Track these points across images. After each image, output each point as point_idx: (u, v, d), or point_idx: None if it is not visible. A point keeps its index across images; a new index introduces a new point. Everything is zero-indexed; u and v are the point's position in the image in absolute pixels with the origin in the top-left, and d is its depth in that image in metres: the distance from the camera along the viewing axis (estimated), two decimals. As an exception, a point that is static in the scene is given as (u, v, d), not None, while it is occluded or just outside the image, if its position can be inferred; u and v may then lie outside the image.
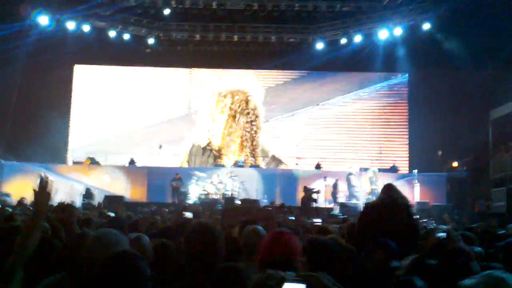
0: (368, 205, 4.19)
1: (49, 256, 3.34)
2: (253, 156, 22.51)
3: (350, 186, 18.09)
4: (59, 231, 5.18)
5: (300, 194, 17.90)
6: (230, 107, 23.17)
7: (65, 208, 6.46)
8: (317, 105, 22.76)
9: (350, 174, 18.38)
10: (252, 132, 22.95)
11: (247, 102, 23.21)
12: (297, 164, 19.83)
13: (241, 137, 22.83)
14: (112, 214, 8.10)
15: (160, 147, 20.63)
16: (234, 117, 23.11)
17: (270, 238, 3.18)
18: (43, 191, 2.89)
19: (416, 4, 19.84)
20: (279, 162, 22.36)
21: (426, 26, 19.68)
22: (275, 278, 2.00)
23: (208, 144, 22.76)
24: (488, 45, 17.53)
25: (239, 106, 23.20)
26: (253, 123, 23.02)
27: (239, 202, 14.27)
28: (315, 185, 17.71)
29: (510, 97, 17.84)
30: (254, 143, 22.84)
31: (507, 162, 18.81)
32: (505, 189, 15.56)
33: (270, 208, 8.97)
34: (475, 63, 18.15)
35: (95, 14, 20.82)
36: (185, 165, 21.91)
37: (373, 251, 3.13)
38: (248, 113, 23.08)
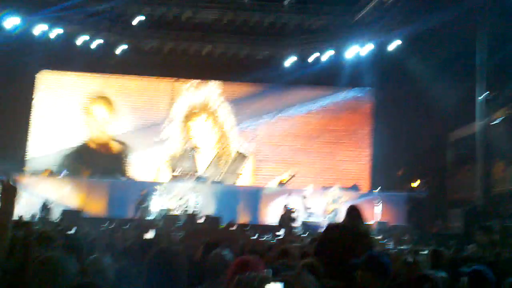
0: (330, 226, 4.21)
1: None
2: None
3: (305, 208, 18.13)
4: (15, 251, 4.98)
5: (262, 211, 17.95)
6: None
7: (23, 225, 6.23)
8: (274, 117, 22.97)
9: (304, 197, 18.41)
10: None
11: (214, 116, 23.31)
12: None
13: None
14: (71, 231, 7.86)
15: None
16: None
17: (235, 266, 3.14)
18: (9, 187, 2.79)
19: (384, 23, 20.27)
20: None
21: (394, 45, 20.09)
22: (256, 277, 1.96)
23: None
24: (451, 68, 18.04)
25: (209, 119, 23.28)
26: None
27: (201, 219, 14.09)
28: (278, 202, 17.75)
29: (469, 120, 18.36)
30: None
31: (464, 183, 19.37)
32: (461, 210, 15.92)
33: (234, 229, 8.89)
34: (438, 84, 18.62)
35: (64, 18, 20.36)
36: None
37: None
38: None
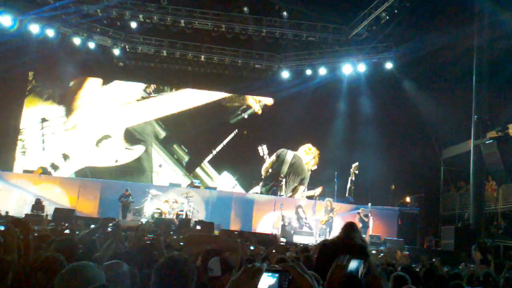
0: (325, 242, 4.24)
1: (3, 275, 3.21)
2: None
3: (299, 218, 18.20)
4: (13, 248, 4.95)
5: (255, 218, 17.99)
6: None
7: (20, 223, 6.20)
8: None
9: (299, 206, 18.51)
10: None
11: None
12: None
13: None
14: (67, 231, 7.80)
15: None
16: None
17: None
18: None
19: (378, 42, 20.48)
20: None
21: (388, 65, 20.30)
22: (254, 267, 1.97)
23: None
24: (444, 87, 18.25)
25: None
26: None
27: (197, 226, 14.02)
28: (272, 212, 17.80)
29: (462, 137, 18.54)
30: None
31: (456, 200, 19.52)
32: (453, 228, 16.03)
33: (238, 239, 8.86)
34: (432, 102, 18.79)
35: (58, 19, 20.33)
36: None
37: None
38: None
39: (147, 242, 6.34)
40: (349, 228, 4.38)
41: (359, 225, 17.01)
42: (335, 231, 17.29)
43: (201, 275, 4.46)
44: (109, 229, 6.54)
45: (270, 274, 1.90)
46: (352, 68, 21.17)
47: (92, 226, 11.27)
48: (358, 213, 17.32)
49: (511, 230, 14.99)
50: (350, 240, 4.09)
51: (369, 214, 17.35)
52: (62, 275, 2.49)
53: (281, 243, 9.03)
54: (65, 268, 2.54)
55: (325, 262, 3.41)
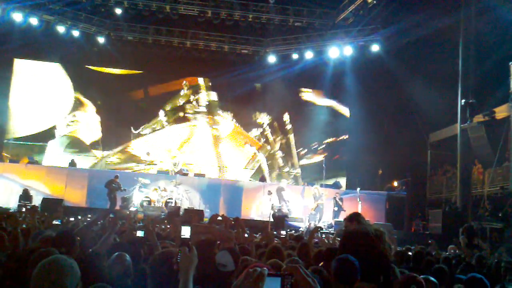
0: (348, 233, 4.20)
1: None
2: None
3: (281, 200, 18.24)
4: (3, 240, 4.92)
5: (244, 205, 18.02)
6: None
7: (9, 216, 6.15)
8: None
9: (281, 189, 18.54)
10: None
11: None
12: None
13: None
14: (57, 222, 7.72)
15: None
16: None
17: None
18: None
19: (365, 25, 20.44)
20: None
21: (375, 47, 20.28)
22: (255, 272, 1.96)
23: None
24: (430, 71, 18.29)
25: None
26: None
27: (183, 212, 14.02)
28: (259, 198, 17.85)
29: (449, 122, 18.65)
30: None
31: (443, 184, 19.71)
32: (441, 211, 16.20)
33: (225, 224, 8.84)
34: (419, 86, 18.85)
35: (43, 7, 19.99)
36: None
37: None
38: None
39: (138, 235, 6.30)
40: (359, 218, 4.34)
41: (335, 208, 17.21)
42: (325, 217, 17.42)
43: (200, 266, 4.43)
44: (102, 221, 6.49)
45: (272, 277, 1.89)
46: (338, 51, 21.11)
47: (79, 217, 11.21)
48: (334, 197, 17.47)
49: (497, 213, 15.18)
50: (373, 231, 4.01)
51: (358, 199, 17.48)
52: (39, 269, 2.48)
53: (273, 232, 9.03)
54: (41, 263, 2.52)
55: (352, 252, 3.31)
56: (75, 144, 22.39)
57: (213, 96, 23.68)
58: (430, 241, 10.70)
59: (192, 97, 23.54)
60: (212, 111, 23.58)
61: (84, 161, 21.41)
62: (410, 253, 7.34)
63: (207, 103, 23.60)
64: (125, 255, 3.74)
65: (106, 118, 22.84)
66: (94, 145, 22.47)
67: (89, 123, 22.91)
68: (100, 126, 22.80)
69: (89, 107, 23.09)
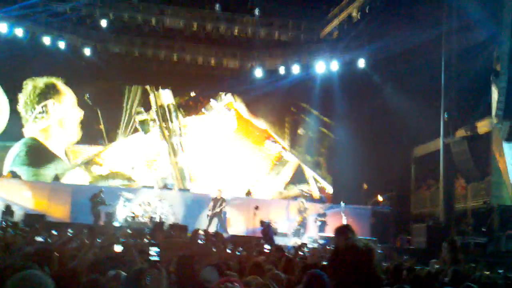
0: (339, 248, 4.16)
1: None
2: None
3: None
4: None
5: (230, 220, 17.97)
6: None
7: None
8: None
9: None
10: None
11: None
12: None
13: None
14: (40, 239, 7.62)
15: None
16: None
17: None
18: None
19: (350, 40, 20.64)
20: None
21: (361, 62, 20.44)
22: None
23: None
24: (414, 86, 18.48)
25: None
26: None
27: (171, 230, 13.90)
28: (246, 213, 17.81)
29: (432, 136, 18.82)
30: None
31: (427, 199, 19.83)
32: (425, 225, 16.27)
33: (208, 242, 8.81)
34: (403, 101, 19.01)
35: (27, 18, 19.85)
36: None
37: None
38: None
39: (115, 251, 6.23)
40: (348, 232, 4.31)
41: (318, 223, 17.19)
42: (309, 232, 17.38)
43: (180, 282, 4.43)
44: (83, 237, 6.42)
45: None
46: (325, 66, 21.24)
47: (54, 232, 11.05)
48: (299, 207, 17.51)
49: (480, 227, 15.29)
50: (364, 245, 3.97)
51: (343, 213, 17.49)
52: (12, 284, 2.47)
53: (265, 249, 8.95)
54: (13, 277, 2.50)
55: (343, 267, 3.26)
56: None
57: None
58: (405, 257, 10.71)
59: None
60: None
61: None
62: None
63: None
64: (120, 273, 3.71)
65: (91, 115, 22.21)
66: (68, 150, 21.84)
67: (64, 119, 22.21)
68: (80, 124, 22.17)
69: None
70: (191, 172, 22.42)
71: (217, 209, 17.13)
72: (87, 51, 21.26)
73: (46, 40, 20.48)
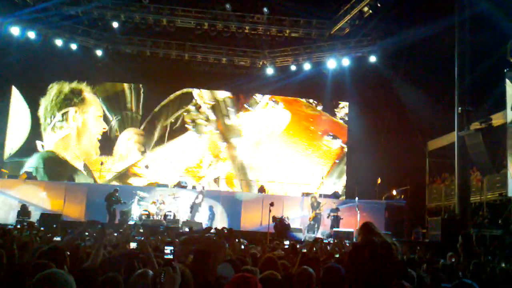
0: (356, 246, 4.17)
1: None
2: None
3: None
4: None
5: (244, 217, 17.95)
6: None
7: (4, 233, 6.14)
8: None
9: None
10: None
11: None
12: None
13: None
14: (58, 238, 7.68)
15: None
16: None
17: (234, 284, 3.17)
18: None
19: (362, 36, 20.55)
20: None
21: (372, 58, 20.33)
22: None
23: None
24: (427, 79, 18.34)
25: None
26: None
27: (186, 228, 13.95)
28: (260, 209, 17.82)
29: (446, 129, 18.66)
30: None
31: (442, 192, 19.68)
32: (440, 219, 16.14)
33: (218, 235, 8.83)
34: (416, 95, 18.88)
35: (40, 21, 20.06)
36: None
37: None
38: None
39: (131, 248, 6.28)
40: (370, 228, 4.31)
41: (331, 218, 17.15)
42: (323, 227, 17.36)
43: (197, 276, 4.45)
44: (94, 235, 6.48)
45: None
46: (336, 62, 21.18)
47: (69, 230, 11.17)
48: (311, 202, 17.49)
49: (496, 220, 15.14)
50: (384, 242, 3.99)
51: (357, 208, 17.45)
52: (35, 283, 2.50)
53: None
54: (38, 276, 2.54)
55: (360, 265, 3.31)
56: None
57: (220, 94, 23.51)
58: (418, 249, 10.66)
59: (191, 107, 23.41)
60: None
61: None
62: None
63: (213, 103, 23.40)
64: (148, 271, 3.73)
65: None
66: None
67: (84, 129, 22.55)
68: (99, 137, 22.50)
69: (92, 109, 22.59)
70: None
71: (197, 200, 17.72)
72: (99, 52, 21.47)
73: (58, 43, 20.69)
